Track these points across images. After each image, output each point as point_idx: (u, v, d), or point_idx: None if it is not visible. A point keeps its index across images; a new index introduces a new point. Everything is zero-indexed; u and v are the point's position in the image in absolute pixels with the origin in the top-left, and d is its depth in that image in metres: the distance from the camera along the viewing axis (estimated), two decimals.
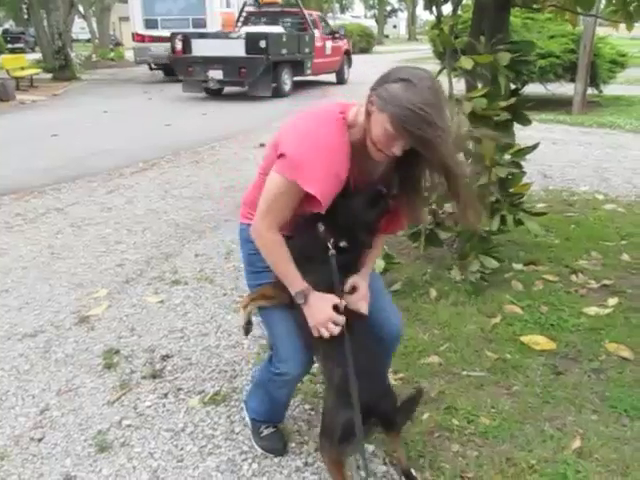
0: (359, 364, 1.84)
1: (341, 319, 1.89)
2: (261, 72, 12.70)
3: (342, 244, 1.94)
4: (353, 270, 2.03)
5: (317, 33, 15.56)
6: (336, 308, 1.91)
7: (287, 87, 14.02)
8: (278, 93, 13.49)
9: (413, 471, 2.13)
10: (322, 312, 1.90)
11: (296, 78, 14.65)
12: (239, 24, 15.90)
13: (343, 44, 17.28)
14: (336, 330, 1.88)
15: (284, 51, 13.43)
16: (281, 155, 1.83)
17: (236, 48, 12.72)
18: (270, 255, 1.96)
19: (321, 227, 1.93)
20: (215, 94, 13.94)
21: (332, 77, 17.38)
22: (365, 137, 1.79)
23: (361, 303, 1.99)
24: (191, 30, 15.93)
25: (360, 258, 2.07)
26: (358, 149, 1.83)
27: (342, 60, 17.10)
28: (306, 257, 1.95)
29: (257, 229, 1.94)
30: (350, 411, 1.80)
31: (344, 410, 1.85)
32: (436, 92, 1.67)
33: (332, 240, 1.92)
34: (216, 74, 12.79)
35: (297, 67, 14.39)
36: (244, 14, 16.16)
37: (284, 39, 13.65)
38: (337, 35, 17.06)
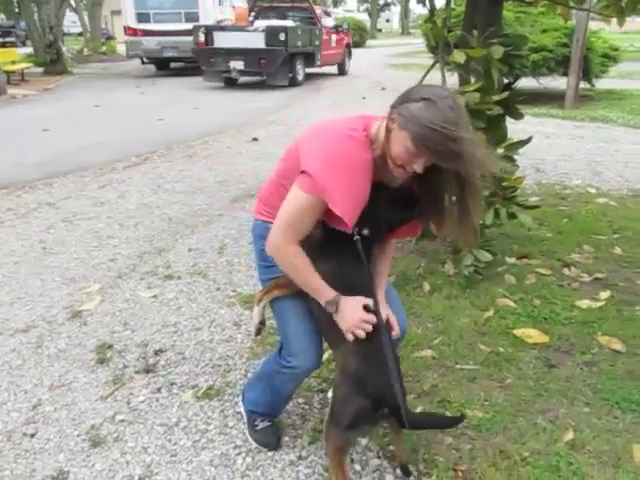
0: (372, 352, 1.88)
1: (373, 318, 1.88)
2: (280, 63, 13.60)
3: (365, 232, 1.93)
4: (368, 260, 2.01)
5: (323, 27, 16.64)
6: (366, 308, 1.90)
7: (300, 77, 14.91)
8: (294, 82, 14.34)
9: (410, 466, 2.14)
10: (354, 315, 1.88)
11: (307, 69, 15.54)
12: (250, 18, 16.61)
13: (345, 37, 18.20)
14: (369, 328, 1.87)
15: (299, 43, 14.37)
16: (304, 172, 1.82)
17: (256, 40, 13.51)
18: (292, 269, 1.93)
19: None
20: (231, 83, 14.69)
21: (334, 69, 18.01)
22: (385, 153, 1.79)
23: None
24: (184, 24, 16.13)
25: (374, 252, 2.07)
26: (379, 164, 1.84)
27: (344, 53, 18.05)
28: (329, 242, 1.95)
29: (276, 243, 1.91)
30: (362, 399, 1.84)
31: (356, 397, 1.87)
32: (457, 111, 1.68)
33: (357, 228, 1.90)
34: (237, 64, 13.65)
35: (309, 58, 15.35)
36: (256, 8, 17.25)
37: (299, 32, 14.65)
38: (340, 29, 17.96)
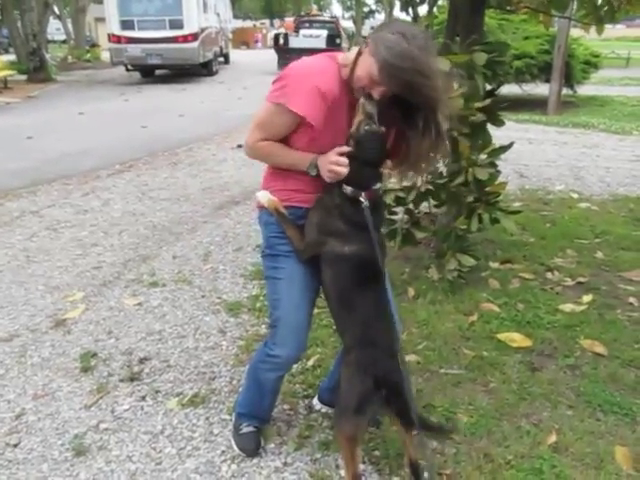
0: (375, 334, 1.94)
1: (343, 160, 1.89)
2: None
3: (376, 187, 2.00)
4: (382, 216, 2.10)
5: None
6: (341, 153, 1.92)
7: None
8: None
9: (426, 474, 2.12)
10: (325, 159, 1.92)
11: None
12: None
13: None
14: (343, 169, 1.88)
15: (345, 45, 20.34)
16: (273, 81, 1.94)
17: (320, 43, 19.11)
18: (270, 155, 2.04)
19: (347, 188, 1.94)
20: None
21: None
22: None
23: None
24: (168, 31, 16.48)
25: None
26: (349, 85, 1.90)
27: None
28: (344, 221, 1.97)
29: (247, 142, 2.04)
30: (363, 378, 1.90)
31: (359, 381, 1.91)
32: (428, 50, 1.75)
33: (363, 194, 1.94)
34: None
35: None
36: (297, 21, 24.10)
37: (342, 38, 20.67)
38: (348, 36, 24.40)
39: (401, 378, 1.90)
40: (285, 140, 2.00)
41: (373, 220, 1.93)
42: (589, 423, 2.47)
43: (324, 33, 20.56)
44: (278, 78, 1.93)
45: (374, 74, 1.75)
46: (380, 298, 1.98)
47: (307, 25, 23.00)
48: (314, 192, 2.03)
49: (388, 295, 2.03)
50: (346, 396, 1.96)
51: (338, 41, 19.63)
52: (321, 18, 25.73)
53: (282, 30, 26.51)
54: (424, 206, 3.88)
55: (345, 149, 1.90)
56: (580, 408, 2.57)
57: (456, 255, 3.64)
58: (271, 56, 20.96)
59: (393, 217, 3.93)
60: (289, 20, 31.32)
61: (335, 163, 1.88)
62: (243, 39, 40.16)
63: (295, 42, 20.29)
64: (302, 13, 25.73)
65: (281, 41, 20.52)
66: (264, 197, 2.11)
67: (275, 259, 2.12)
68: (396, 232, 3.83)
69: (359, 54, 1.83)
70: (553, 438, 2.37)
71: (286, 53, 19.46)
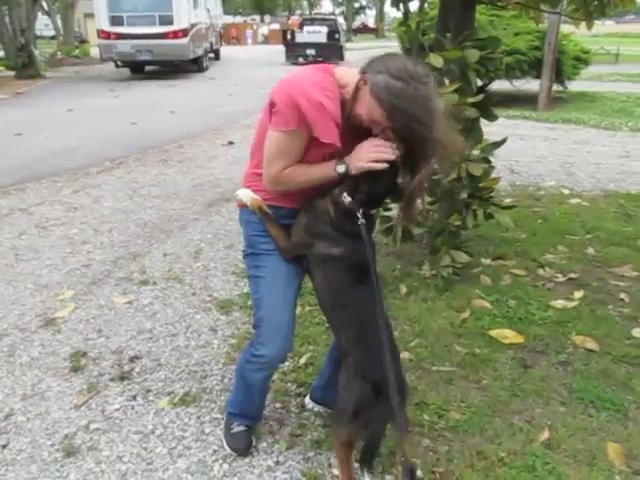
0: (371, 336, 1.88)
1: (389, 144, 1.81)
2: (336, 51, 22.93)
3: (373, 211, 1.99)
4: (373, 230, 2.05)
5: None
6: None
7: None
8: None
9: (419, 472, 2.12)
10: (363, 147, 1.85)
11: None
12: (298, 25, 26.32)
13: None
14: (391, 154, 1.81)
15: (342, 40, 24.60)
16: (273, 107, 1.86)
17: (322, 37, 23.37)
18: (298, 180, 1.94)
19: (346, 198, 1.89)
20: (296, 63, 21.38)
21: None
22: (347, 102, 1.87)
23: None
24: (158, 27, 16.46)
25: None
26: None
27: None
28: (334, 228, 1.93)
29: (271, 177, 1.94)
30: (362, 386, 1.87)
31: (356, 385, 1.89)
32: (431, 96, 1.75)
33: (361, 210, 1.89)
34: (311, 52, 22.81)
35: (341, 50, 24.08)
36: (301, 18, 28.25)
37: (342, 33, 24.86)
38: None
39: (399, 380, 1.89)
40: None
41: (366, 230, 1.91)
42: (581, 419, 2.47)
43: (325, 29, 23.66)
44: (283, 104, 1.82)
45: (376, 116, 1.76)
46: (373, 299, 1.93)
47: (309, 22, 25.97)
48: (295, 192, 2.00)
49: (381, 296, 2.01)
50: (343, 401, 1.94)
51: (337, 36, 23.38)
52: (321, 16, 30.43)
53: (276, 26, 32.68)
54: (418, 202, 3.85)
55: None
56: (572, 404, 2.57)
57: (450, 251, 3.63)
58: (262, 52, 20.96)
59: (387, 214, 3.91)
60: (294, 18, 37.62)
61: (379, 146, 1.82)
62: (232, 35, 40.15)
63: (300, 37, 23.70)
64: (302, 12, 32.45)
65: (289, 37, 24.05)
66: (246, 196, 2.08)
67: (257, 258, 2.11)
68: (392, 229, 3.81)
69: (357, 89, 1.80)
70: (546, 435, 2.36)
71: (293, 46, 23.48)
